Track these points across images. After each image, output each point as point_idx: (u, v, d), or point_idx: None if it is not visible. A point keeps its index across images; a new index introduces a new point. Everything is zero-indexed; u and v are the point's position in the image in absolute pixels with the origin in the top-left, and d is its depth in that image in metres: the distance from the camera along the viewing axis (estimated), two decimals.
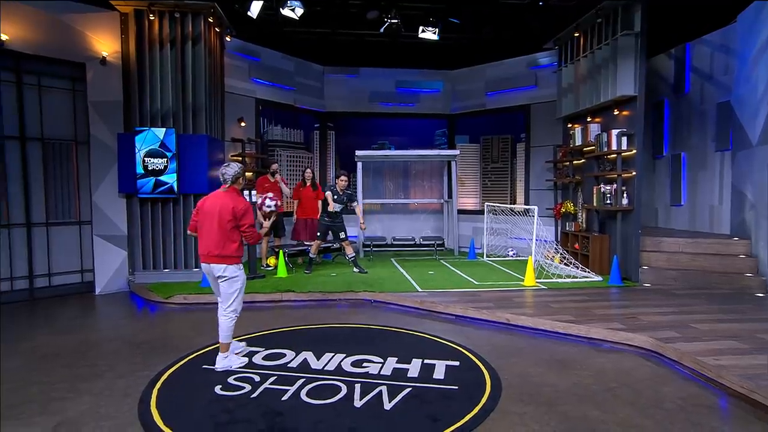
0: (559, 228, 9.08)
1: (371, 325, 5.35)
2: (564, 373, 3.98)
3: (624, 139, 7.04)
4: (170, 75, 7.03)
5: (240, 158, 8.56)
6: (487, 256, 9.51)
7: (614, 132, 7.12)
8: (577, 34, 8.13)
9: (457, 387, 3.67)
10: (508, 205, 9.44)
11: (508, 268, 8.26)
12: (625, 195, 7.07)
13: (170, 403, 3.42)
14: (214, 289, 4.20)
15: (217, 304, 4.23)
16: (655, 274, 6.95)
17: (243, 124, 9.00)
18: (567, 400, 3.48)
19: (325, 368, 4.02)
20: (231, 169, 4.09)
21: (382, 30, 8.42)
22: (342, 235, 7.75)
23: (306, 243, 8.36)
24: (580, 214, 8.32)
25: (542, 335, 5.02)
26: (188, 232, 4.30)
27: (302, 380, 3.77)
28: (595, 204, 7.67)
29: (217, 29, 7.60)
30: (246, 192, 7.20)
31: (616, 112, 7.31)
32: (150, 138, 6.83)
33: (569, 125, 8.72)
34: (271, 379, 3.79)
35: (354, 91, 10.92)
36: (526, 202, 9.79)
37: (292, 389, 3.61)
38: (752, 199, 6.71)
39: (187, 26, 7.09)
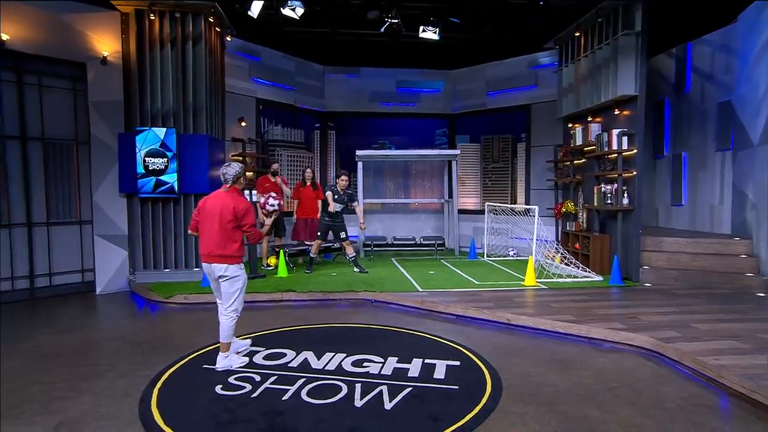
0: (560, 228, 9.07)
1: (372, 324, 5.35)
2: (565, 372, 3.98)
3: (625, 139, 7.03)
4: (171, 75, 7.04)
5: (240, 158, 8.56)
6: (488, 256, 9.51)
7: (615, 132, 7.12)
8: (577, 34, 8.13)
9: (457, 387, 3.67)
10: (509, 205, 9.44)
11: (509, 268, 8.25)
12: (625, 195, 7.07)
13: (171, 402, 3.42)
14: (214, 290, 4.20)
15: (217, 303, 4.25)
16: (655, 274, 6.95)
17: (243, 123, 9.01)
18: (568, 399, 3.48)
19: (326, 368, 4.02)
20: (232, 168, 4.10)
21: (382, 30, 8.42)
22: (342, 234, 7.75)
23: (306, 243, 8.37)
24: (580, 213, 8.32)
25: (543, 335, 5.01)
26: (189, 231, 4.31)
27: (303, 380, 3.77)
28: (595, 204, 7.66)
29: (217, 29, 7.60)
30: (246, 192, 7.20)
31: (616, 112, 7.31)
32: (151, 138, 6.84)
33: (570, 125, 8.72)
34: (272, 379, 3.79)
35: (354, 90, 10.92)
36: (527, 202, 9.78)
37: (293, 389, 3.61)
38: (753, 199, 6.71)
39: (187, 26, 7.09)
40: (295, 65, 10.20)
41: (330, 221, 7.68)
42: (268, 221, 4.86)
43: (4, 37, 6.08)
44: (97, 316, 6.10)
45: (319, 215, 8.39)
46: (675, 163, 8.46)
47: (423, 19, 8.42)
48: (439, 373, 3.93)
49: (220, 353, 4.06)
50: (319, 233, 7.80)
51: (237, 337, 4.41)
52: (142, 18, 6.99)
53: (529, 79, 9.87)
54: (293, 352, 4.38)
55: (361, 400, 3.43)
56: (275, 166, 8.45)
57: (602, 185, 7.48)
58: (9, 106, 6.38)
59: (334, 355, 4.28)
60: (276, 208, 4.80)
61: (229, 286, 4.06)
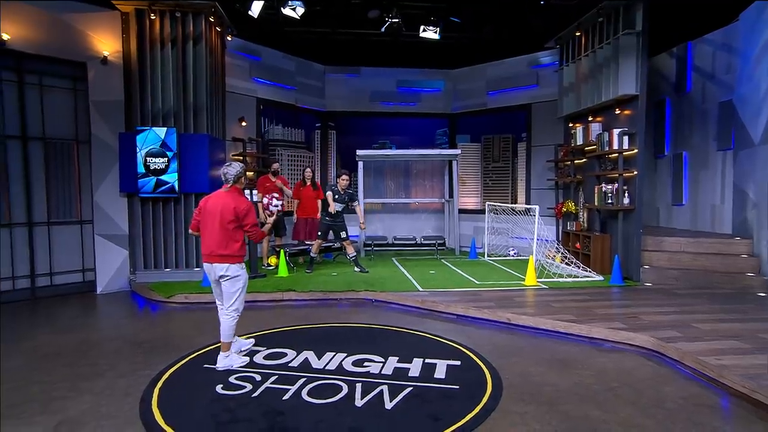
0: (561, 227, 9.06)
1: (372, 324, 5.35)
2: (565, 372, 3.98)
3: (625, 139, 7.02)
4: (171, 74, 7.04)
5: (241, 158, 8.57)
6: (488, 256, 9.51)
7: (615, 131, 7.11)
8: (578, 33, 8.12)
9: (458, 386, 3.67)
10: (509, 205, 9.44)
11: (509, 268, 8.25)
12: (626, 194, 7.06)
13: (171, 402, 3.42)
14: (214, 291, 4.20)
15: (217, 304, 4.25)
16: (656, 274, 6.94)
17: (244, 123, 9.01)
18: (568, 399, 3.47)
19: (326, 368, 4.02)
20: (233, 168, 4.10)
21: (383, 29, 8.42)
22: (343, 234, 7.75)
23: (307, 242, 8.37)
24: (581, 213, 8.31)
25: (543, 335, 5.01)
26: (189, 231, 4.32)
27: (303, 379, 3.77)
28: (596, 203, 7.65)
29: (218, 29, 7.60)
30: (247, 191, 7.20)
31: (617, 112, 7.30)
32: (151, 137, 6.84)
33: (570, 124, 8.71)
34: (272, 379, 3.79)
35: (355, 90, 10.92)
36: (527, 202, 9.78)
37: (293, 388, 3.61)
38: (754, 199, 6.70)
39: (188, 26, 7.09)
40: (296, 65, 10.20)
41: (330, 221, 7.68)
42: (270, 220, 4.91)
43: (5, 36, 6.09)
44: (97, 315, 6.10)
45: (319, 215, 8.40)
46: (676, 163, 8.45)
47: (423, 18, 8.42)
48: (440, 372, 3.93)
49: (221, 353, 4.07)
50: (319, 233, 7.79)
51: (238, 336, 4.41)
52: (142, 18, 6.99)
53: (530, 79, 9.86)
54: (294, 351, 4.38)
55: (361, 399, 3.43)
56: (276, 165, 8.45)
57: (603, 185, 7.47)
58: (10, 106, 6.38)
59: (334, 355, 4.28)
60: (279, 209, 4.86)
61: (230, 285, 4.06)
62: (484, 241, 9.73)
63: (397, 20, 8.11)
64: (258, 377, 3.83)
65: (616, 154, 7.14)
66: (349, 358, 4.22)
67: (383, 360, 4.17)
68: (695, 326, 4.83)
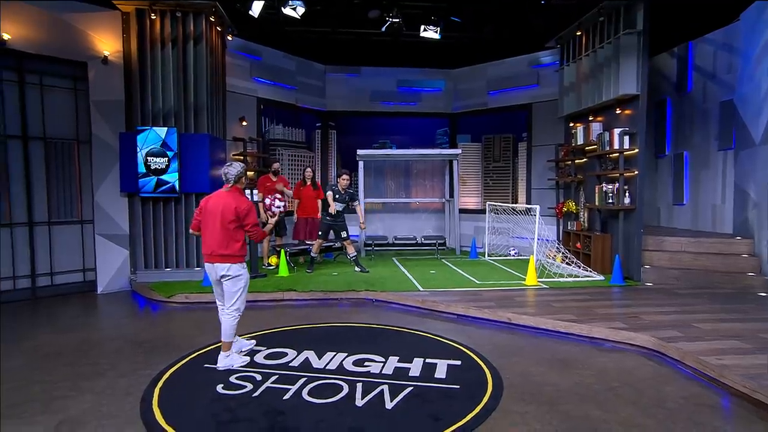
0: (561, 227, 9.06)
1: (373, 324, 5.35)
2: (566, 372, 3.97)
3: (626, 138, 7.02)
4: (172, 74, 7.04)
5: (241, 157, 8.57)
6: (489, 256, 9.50)
7: (616, 131, 7.10)
8: (579, 33, 8.11)
9: (458, 386, 3.67)
10: (510, 205, 9.43)
11: (510, 268, 8.25)
12: (627, 194, 7.06)
13: (172, 401, 3.43)
14: (215, 291, 4.21)
15: (217, 304, 4.25)
16: (657, 274, 6.93)
17: (244, 123, 9.01)
18: (569, 399, 3.47)
19: (327, 367, 4.02)
20: (233, 168, 4.11)
21: (383, 29, 8.41)
22: (344, 234, 7.75)
23: (307, 242, 8.37)
24: (581, 213, 8.31)
25: (544, 334, 5.01)
26: (190, 231, 4.32)
27: (304, 379, 3.77)
28: (597, 203, 7.65)
29: (218, 28, 7.60)
30: (247, 191, 7.20)
31: (618, 111, 7.29)
32: (152, 137, 6.84)
33: (571, 124, 8.70)
34: (273, 378, 3.79)
35: (355, 90, 10.92)
36: (528, 202, 9.77)
37: (294, 388, 3.61)
38: (755, 198, 6.69)
39: (188, 25, 7.09)
40: (296, 65, 10.20)
41: (331, 221, 7.67)
42: (272, 220, 4.93)
43: (6, 36, 6.09)
44: (98, 315, 6.11)
45: (319, 215, 8.40)
46: (677, 163, 8.44)
47: (424, 18, 8.41)
48: (440, 372, 3.93)
49: (221, 352, 4.07)
50: (320, 233, 7.79)
51: (239, 336, 4.41)
52: (143, 17, 6.99)
53: (531, 78, 9.85)
54: (294, 351, 4.38)
55: (362, 399, 3.43)
56: (276, 165, 8.45)
57: (604, 184, 7.46)
58: (10, 106, 6.39)
59: (335, 355, 4.28)
60: (281, 209, 4.88)
61: (231, 285, 4.07)
62: (484, 240, 9.73)
63: (397, 20, 8.11)
64: (258, 377, 3.83)
65: (617, 154, 7.13)
66: (349, 357, 4.22)
67: (384, 360, 4.17)
68: (696, 326, 4.83)
